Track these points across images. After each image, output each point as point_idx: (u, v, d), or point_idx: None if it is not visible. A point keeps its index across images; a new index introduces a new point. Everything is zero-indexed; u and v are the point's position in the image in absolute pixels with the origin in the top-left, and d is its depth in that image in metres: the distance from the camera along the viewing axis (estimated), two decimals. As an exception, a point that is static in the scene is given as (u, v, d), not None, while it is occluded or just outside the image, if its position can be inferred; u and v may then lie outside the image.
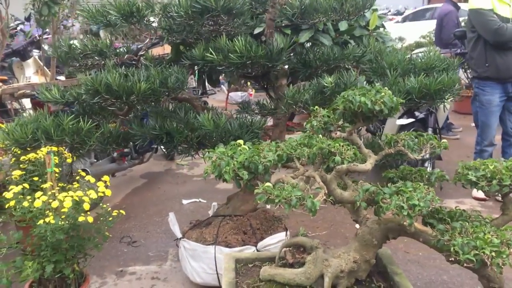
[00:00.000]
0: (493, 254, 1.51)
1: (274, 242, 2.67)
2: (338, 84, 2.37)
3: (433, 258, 3.11)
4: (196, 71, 4.86)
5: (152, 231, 3.64)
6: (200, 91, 7.77)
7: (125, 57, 2.83)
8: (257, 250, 2.62)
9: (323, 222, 3.74)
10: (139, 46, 3.91)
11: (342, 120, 1.95)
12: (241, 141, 1.94)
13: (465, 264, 1.55)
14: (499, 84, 4.00)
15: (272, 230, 2.81)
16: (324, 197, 1.68)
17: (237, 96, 8.54)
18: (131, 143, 4.33)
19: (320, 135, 1.91)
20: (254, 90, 8.75)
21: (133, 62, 3.06)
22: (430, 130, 4.27)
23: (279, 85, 2.89)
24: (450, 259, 1.62)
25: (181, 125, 2.48)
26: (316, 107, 2.10)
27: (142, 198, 4.35)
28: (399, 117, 4.26)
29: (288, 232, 2.87)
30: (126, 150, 4.31)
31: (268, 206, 3.23)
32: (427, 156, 4.20)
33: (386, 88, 1.87)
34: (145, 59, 2.91)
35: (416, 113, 4.24)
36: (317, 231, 3.60)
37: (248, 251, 2.59)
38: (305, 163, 1.90)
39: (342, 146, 1.79)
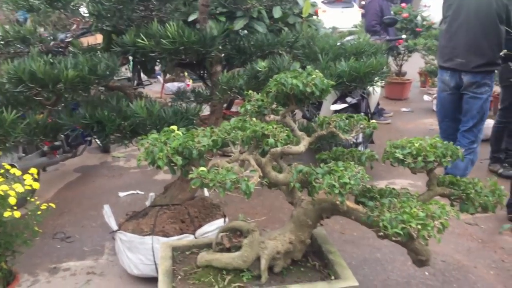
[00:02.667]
0: (419, 227, 1.58)
1: (213, 229, 2.66)
2: (271, 69, 2.38)
3: (367, 237, 3.22)
4: (131, 61, 4.72)
5: (87, 225, 3.52)
6: (135, 81, 7.58)
7: (51, 44, 2.70)
8: (196, 238, 2.60)
9: (262, 208, 3.78)
10: (67, 34, 3.75)
11: (275, 103, 1.97)
12: (174, 127, 1.91)
13: (393, 238, 1.62)
14: None
15: (210, 217, 2.81)
16: (259, 179, 1.69)
17: (174, 86, 8.40)
18: (62, 135, 4.17)
19: (254, 119, 1.92)
20: (191, 81, 8.64)
21: (60, 49, 2.93)
22: (362, 115, 4.40)
23: (214, 72, 2.87)
24: (379, 234, 1.68)
25: (113, 113, 2.40)
26: (250, 91, 2.11)
27: (76, 193, 4.20)
28: (333, 103, 4.37)
29: (227, 219, 2.87)
30: (57, 143, 4.13)
31: (207, 194, 3.22)
32: (360, 140, 4.37)
33: (317, 71, 1.91)
34: (74, 47, 2.80)
35: (349, 99, 4.36)
36: (256, 217, 3.63)
37: (187, 239, 2.57)
38: (244, 150, 1.90)
39: (276, 128, 1.81)
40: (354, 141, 4.33)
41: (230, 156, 1.95)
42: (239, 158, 1.84)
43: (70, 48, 2.81)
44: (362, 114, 4.42)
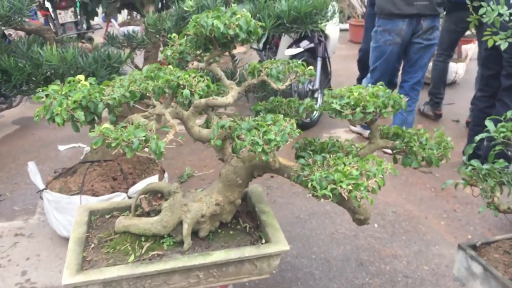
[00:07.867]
0: (350, 187, 1.40)
1: (147, 186, 2.46)
2: (201, 8, 2.11)
3: (318, 189, 3.09)
4: (78, 3, 4.32)
5: (20, 182, 3.28)
6: (85, 25, 7.12)
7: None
8: (128, 197, 2.40)
9: (211, 161, 3.59)
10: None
11: (196, 48, 1.72)
12: (81, 77, 1.66)
13: (322, 200, 1.44)
14: None
15: (146, 173, 2.60)
16: (173, 136, 1.48)
17: (128, 30, 7.94)
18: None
19: (170, 66, 1.67)
20: (148, 24, 8.18)
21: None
22: (319, 59, 4.17)
23: (146, 13, 2.58)
24: (310, 194, 1.50)
25: (22, 60, 2.12)
26: (174, 34, 1.85)
27: (13, 146, 3.91)
28: (288, 47, 4.11)
29: (166, 174, 2.68)
30: (-13, 93, 3.80)
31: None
32: (317, 86, 4.16)
33: (244, 10, 1.65)
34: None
35: (304, 43, 4.10)
36: (204, 170, 3.45)
37: (118, 198, 2.37)
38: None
39: (194, 77, 1.58)
40: (310, 87, 4.12)
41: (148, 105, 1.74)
42: (155, 112, 1.61)
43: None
44: (319, 58, 4.24)
